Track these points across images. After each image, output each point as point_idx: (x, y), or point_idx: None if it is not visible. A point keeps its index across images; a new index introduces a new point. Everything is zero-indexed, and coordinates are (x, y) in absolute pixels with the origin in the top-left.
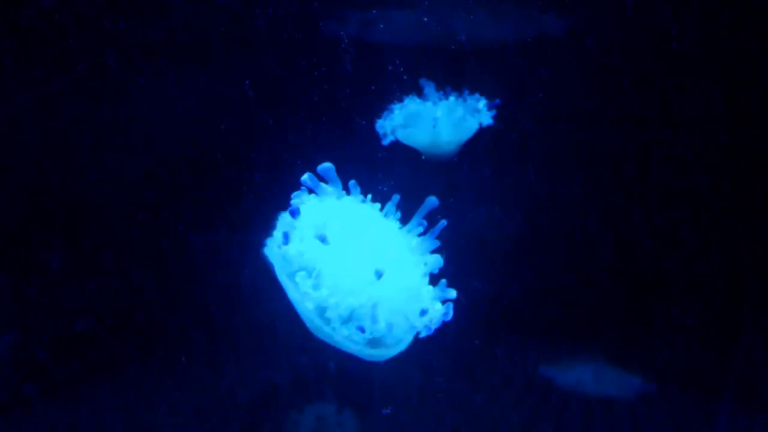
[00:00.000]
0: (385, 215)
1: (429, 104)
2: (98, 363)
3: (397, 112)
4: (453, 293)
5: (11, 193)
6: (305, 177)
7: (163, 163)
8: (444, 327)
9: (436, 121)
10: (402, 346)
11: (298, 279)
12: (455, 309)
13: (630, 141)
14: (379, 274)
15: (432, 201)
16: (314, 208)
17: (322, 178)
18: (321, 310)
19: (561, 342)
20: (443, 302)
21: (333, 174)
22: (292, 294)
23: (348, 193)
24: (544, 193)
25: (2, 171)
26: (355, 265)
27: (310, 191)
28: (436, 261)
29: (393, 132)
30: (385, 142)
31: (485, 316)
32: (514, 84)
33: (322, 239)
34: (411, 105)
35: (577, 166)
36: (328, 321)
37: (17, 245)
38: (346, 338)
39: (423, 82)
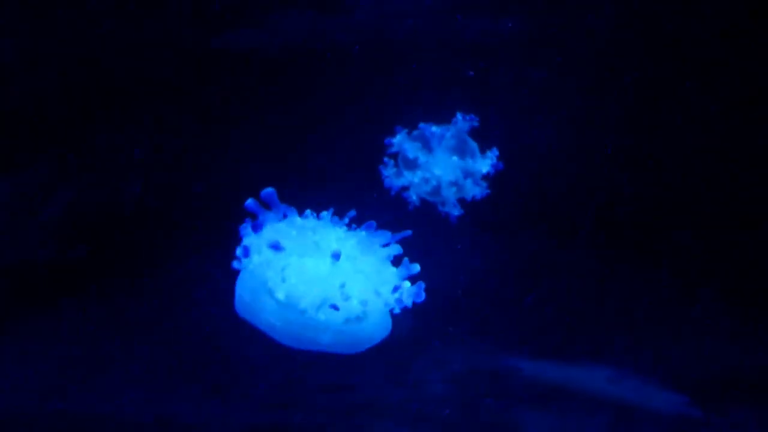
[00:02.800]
0: (331, 222)
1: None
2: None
3: (426, 178)
4: (416, 267)
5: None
6: (249, 202)
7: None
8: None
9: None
10: (383, 331)
11: (268, 275)
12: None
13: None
14: (336, 256)
15: (414, 267)
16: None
17: (265, 204)
18: (293, 308)
19: (575, 340)
20: (411, 279)
21: (275, 198)
22: (262, 306)
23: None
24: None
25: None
26: (315, 261)
27: (255, 216)
28: (394, 247)
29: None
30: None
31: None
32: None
33: (276, 246)
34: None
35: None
36: (303, 312)
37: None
38: (325, 327)
39: (423, 127)
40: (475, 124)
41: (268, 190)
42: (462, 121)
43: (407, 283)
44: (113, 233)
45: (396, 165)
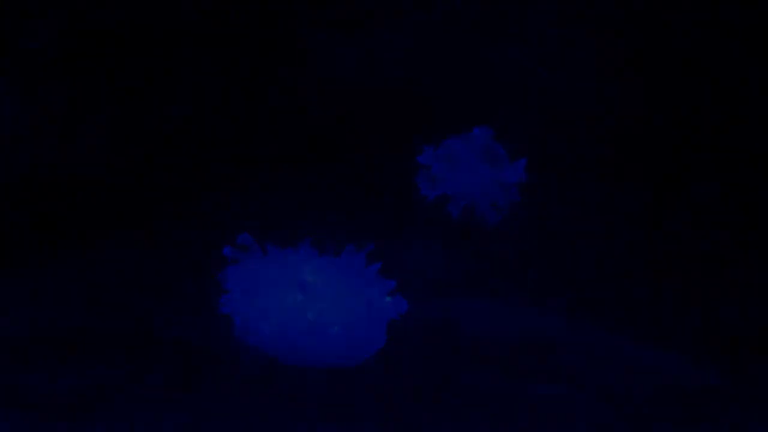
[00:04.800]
0: (307, 252)
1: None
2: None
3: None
4: (404, 305)
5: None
6: (226, 250)
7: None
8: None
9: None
10: (376, 343)
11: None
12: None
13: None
14: (302, 286)
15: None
16: (245, 273)
17: (244, 247)
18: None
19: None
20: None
21: (250, 240)
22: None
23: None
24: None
25: None
26: (293, 293)
27: (235, 260)
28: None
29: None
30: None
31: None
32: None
33: (246, 293)
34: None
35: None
36: (294, 348)
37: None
38: (316, 356)
39: (447, 143)
40: (491, 132)
41: (243, 235)
42: (479, 136)
43: (387, 298)
44: (159, 154)
45: (430, 177)
